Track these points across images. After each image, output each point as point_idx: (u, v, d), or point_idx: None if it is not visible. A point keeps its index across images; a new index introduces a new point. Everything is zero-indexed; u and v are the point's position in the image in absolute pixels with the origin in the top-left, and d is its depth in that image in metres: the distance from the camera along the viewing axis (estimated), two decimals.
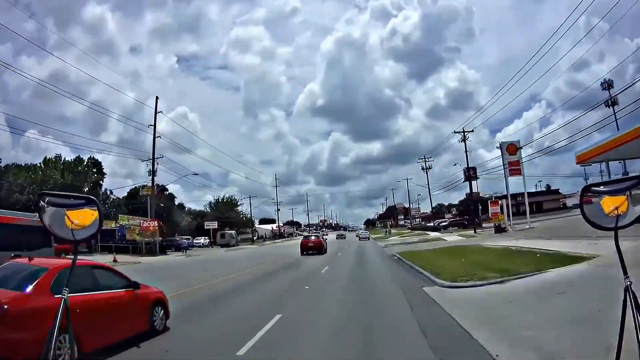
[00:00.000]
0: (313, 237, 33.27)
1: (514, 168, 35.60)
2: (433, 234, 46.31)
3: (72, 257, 2.51)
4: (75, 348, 4.79)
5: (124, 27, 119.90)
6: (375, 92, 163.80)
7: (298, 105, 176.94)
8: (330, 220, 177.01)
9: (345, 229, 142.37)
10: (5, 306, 4.63)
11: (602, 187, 2.28)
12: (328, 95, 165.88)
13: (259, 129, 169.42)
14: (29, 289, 5.08)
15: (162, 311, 7.32)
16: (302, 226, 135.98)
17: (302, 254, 29.52)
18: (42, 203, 2.33)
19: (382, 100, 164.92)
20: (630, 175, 2.41)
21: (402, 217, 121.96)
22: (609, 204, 2.22)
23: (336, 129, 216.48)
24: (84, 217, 2.34)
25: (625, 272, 2.19)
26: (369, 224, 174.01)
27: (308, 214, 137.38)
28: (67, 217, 2.31)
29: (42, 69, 78.10)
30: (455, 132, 47.21)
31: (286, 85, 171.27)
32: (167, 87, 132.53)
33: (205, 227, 56.32)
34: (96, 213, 2.36)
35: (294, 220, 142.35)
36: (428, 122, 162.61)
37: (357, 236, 72.72)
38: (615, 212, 2.20)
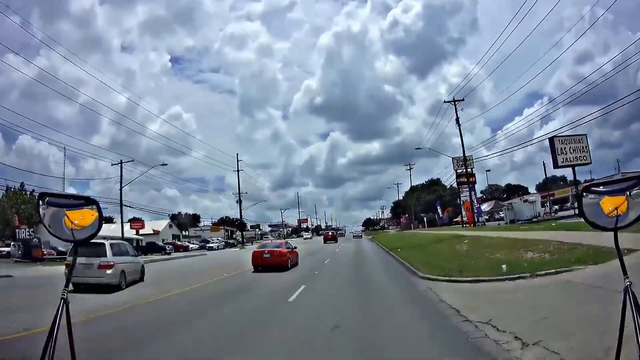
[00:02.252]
0: (330, 233, 71.61)
1: None
2: None
3: (73, 257, 2.52)
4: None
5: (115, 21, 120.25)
6: (375, 89, 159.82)
7: (295, 105, 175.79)
8: (319, 222, 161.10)
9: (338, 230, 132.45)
10: (280, 250, 19.65)
11: (601, 187, 2.29)
12: (326, 92, 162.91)
13: (255, 129, 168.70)
14: (282, 246, 20.27)
15: (298, 256, 21.87)
16: (249, 228, 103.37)
17: (324, 242, 58.02)
18: (42, 203, 2.34)
19: (382, 97, 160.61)
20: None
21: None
22: (608, 204, 2.22)
23: (335, 129, 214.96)
24: (83, 218, 2.34)
25: (625, 272, 2.18)
26: (369, 224, 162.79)
27: (240, 204, 69.83)
28: (67, 217, 2.32)
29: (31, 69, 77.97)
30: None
31: (283, 82, 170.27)
32: (161, 85, 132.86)
33: None
34: (96, 213, 2.37)
35: (239, 219, 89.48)
36: (430, 120, 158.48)
37: (351, 233, 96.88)
38: (615, 212, 2.20)
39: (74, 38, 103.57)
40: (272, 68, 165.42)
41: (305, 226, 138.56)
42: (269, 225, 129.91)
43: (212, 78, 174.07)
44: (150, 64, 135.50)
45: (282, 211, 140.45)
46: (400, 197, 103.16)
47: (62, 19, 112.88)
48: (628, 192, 2.19)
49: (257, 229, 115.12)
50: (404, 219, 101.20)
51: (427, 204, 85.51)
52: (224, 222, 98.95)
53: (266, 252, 19.22)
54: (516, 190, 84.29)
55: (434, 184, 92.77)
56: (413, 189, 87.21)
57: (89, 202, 2.39)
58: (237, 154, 69.17)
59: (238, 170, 69.38)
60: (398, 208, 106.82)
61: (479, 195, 60.45)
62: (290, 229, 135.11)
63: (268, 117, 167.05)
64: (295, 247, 21.96)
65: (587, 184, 2.39)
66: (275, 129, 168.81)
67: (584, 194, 2.33)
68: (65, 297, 2.20)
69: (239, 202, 71.10)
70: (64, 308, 2.18)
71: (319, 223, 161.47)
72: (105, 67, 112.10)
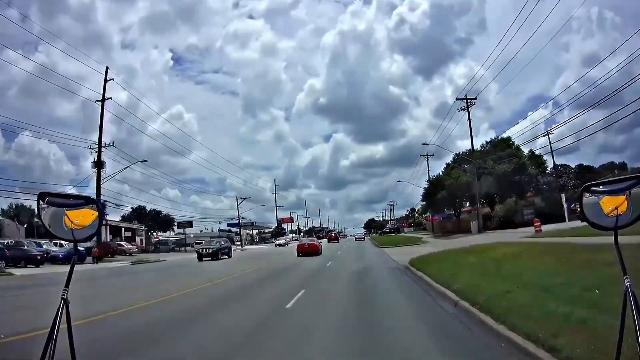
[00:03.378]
0: (334, 235, 79.78)
1: None
2: None
3: (73, 257, 2.52)
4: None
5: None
6: (380, 89, 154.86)
7: (297, 106, 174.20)
8: (311, 222, 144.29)
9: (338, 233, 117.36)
10: (314, 243, 36.21)
11: (601, 186, 2.29)
12: (330, 93, 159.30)
13: (257, 130, 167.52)
14: (315, 241, 37.51)
15: (322, 247, 37.18)
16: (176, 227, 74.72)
17: (328, 242, 65.04)
18: (42, 203, 2.34)
19: (387, 98, 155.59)
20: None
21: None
22: (608, 203, 2.23)
23: (338, 130, 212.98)
24: (84, 217, 2.36)
25: (625, 272, 2.18)
26: (371, 226, 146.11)
27: (99, 169, 38.35)
28: (67, 217, 2.33)
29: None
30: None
31: (288, 83, 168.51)
32: (163, 84, 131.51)
33: None
34: (96, 213, 2.38)
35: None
36: (436, 122, 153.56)
37: (353, 236, 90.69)
38: (615, 212, 2.20)
39: (73, 34, 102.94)
40: (275, 68, 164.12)
41: (296, 228, 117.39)
42: (229, 224, 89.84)
43: (213, 78, 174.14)
44: (152, 62, 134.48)
45: (239, 201, 78.00)
46: (433, 174, 62.92)
47: (61, 14, 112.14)
48: (628, 192, 2.20)
49: (188, 226, 74.29)
50: (437, 218, 65.84)
51: (501, 180, 45.31)
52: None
53: (306, 244, 35.37)
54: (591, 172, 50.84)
55: (505, 143, 49.25)
56: (455, 161, 51.88)
57: (88, 201, 2.41)
58: (106, 69, 39.31)
59: (103, 101, 37.90)
60: (437, 190, 53.81)
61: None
62: (270, 231, 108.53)
63: (270, 118, 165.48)
64: (321, 242, 42.28)
65: (587, 183, 2.40)
66: (278, 130, 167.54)
67: (584, 193, 2.34)
68: (65, 297, 2.20)
69: (98, 166, 38.45)
70: (65, 308, 2.18)
71: (312, 224, 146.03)
72: (105, 63, 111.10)
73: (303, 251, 33.56)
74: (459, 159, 51.95)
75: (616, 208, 2.20)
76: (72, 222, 2.32)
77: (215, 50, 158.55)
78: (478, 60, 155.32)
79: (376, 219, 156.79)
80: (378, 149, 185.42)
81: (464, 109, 44.96)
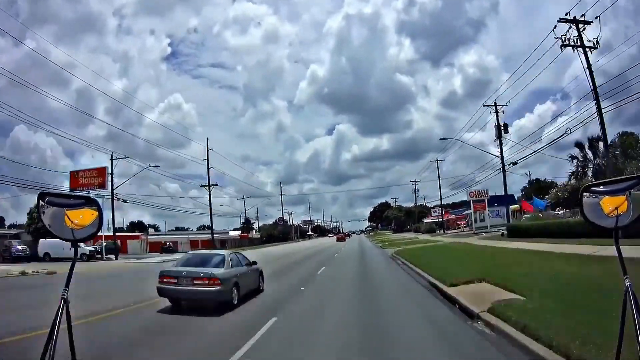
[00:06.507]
0: (340, 236, 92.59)
1: None
2: None
3: (72, 257, 2.53)
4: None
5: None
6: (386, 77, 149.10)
7: (299, 96, 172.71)
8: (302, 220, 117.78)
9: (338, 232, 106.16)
10: (344, 235, 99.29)
11: (601, 187, 2.30)
12: (333, 83, 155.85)
13: (256, 123, 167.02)
14: (343, 234, 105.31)
15: (346, 244, 67.70)
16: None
17: (337, 241, 77.35)
18: (42, 203, 2.35)
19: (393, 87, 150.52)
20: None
21: None
22: (608, 204, 2.23)
23: (341, 121, 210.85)
24: (84, 217, 2.37)
25: (625, 272, 2.19)
26: (380, 218, 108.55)
27: None
28: (67, 216, 2.34)
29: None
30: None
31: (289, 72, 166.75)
32: (162, 74, 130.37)
33: None
34: (96, 213, 2.39)
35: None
36: (442, 113, 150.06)
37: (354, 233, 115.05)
38: (615, 212, 2.21)
39: (66, 18, 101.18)
40: (277, 56, 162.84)
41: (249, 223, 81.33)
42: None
43: (212, 72, 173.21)
44: (148, 51, 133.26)
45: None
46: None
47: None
48: (628, 192, 2.20)
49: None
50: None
51: None
52: None
53: (340, 236, 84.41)
54: None
55: None
56: None
57: (89, 201, 2.42)
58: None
59: None
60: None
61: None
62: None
63: (272, 108, 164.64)
64: (345, 234, 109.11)
65: (587, 183, 2.41)
66: (279, 122, 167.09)
67: (584, 193, 2.34)
68: (65, 297, 2.20)
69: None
70: (65, 308, 2.19)
71: (291, 220, 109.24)
72: (100, 51, 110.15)
73: (339, 239, 72.95)
74: None
75: (616, 208, 2.20)
76: (72, 221, 2.33)
77: (213, 39, 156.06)
78: (487, 49, 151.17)
79: (394, 202, 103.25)
80: (382, 142, 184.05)
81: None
